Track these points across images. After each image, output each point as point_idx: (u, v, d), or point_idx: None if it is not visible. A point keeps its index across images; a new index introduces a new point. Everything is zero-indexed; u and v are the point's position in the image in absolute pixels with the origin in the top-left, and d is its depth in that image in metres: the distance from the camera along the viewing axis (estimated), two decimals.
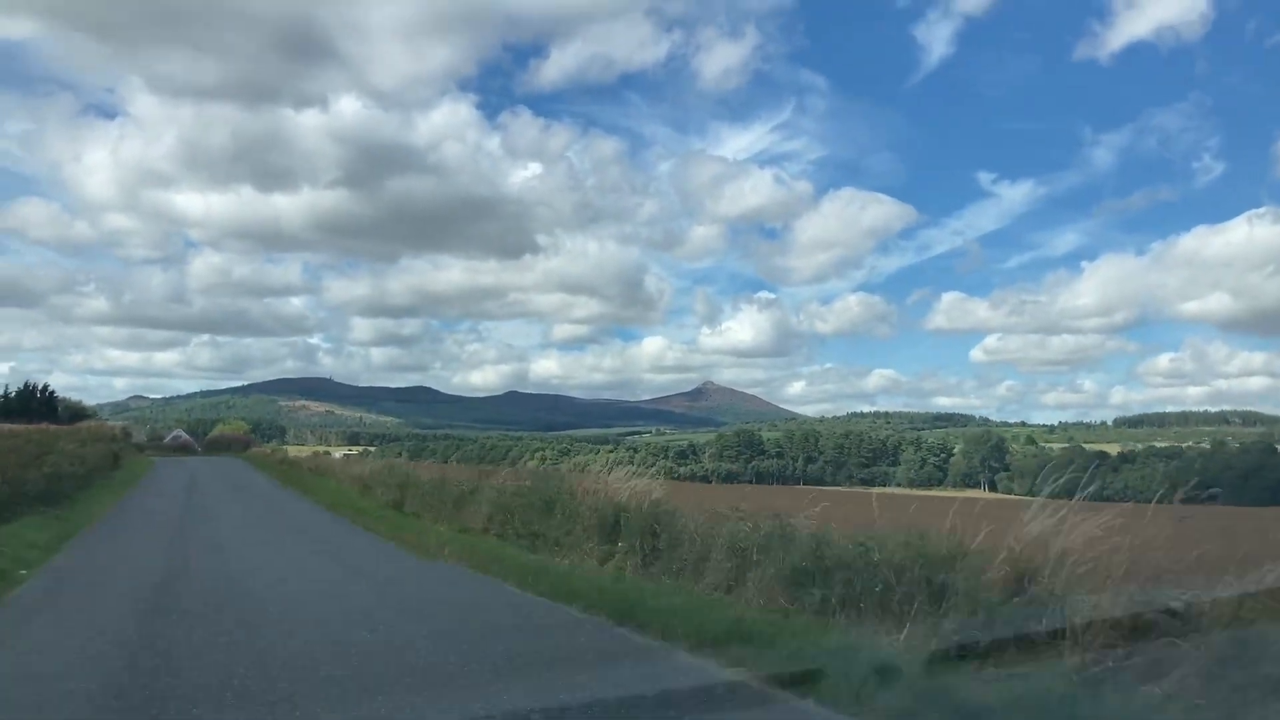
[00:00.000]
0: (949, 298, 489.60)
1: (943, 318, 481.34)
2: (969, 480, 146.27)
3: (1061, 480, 8.31)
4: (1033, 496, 8.38)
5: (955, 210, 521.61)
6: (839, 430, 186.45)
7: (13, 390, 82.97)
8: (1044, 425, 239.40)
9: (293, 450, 75.81)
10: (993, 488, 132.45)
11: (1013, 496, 75.94)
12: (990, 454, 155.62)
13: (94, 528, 17.44)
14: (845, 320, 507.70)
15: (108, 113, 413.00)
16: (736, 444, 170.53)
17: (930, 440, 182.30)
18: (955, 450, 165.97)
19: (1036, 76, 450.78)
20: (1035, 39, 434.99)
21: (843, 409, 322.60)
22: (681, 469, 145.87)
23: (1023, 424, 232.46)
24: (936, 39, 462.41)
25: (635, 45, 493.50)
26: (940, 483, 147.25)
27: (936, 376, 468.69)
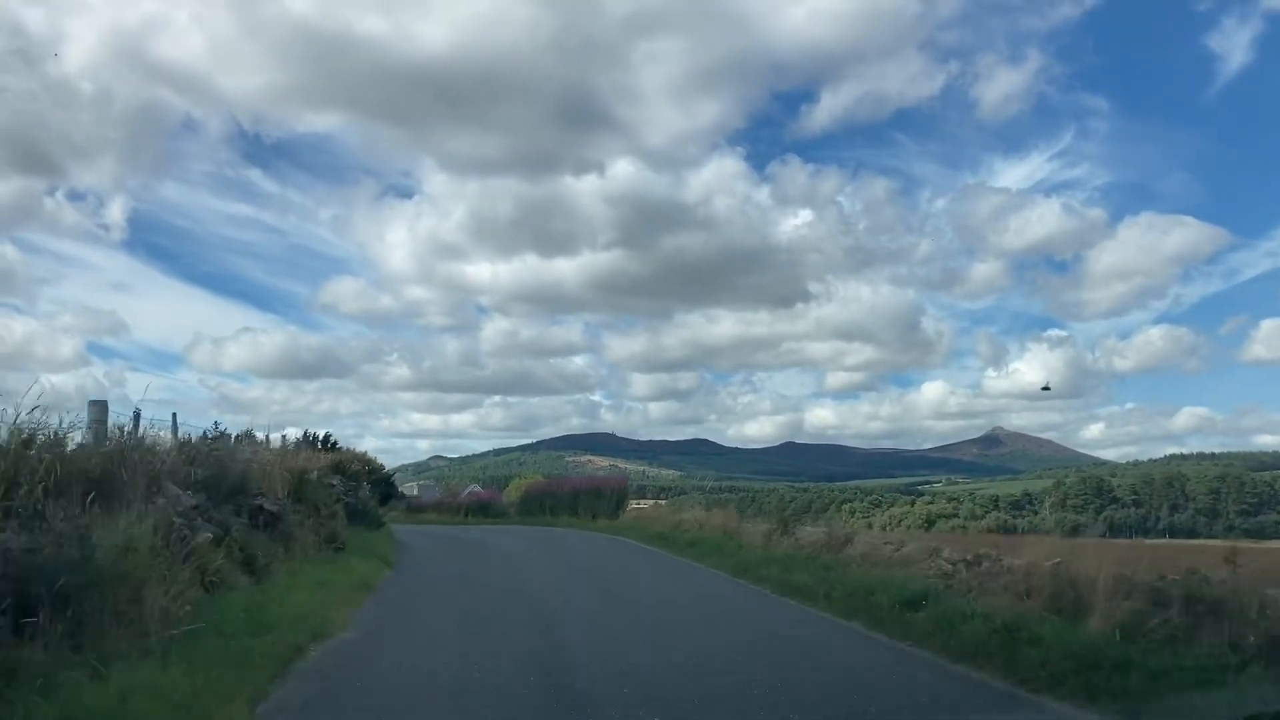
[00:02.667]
0: (1269, 325, 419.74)
1: (1261, 347, 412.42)
2: None
3: None
4: None
5: (1268, 230, 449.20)
6: (1211, 473, 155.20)
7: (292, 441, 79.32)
8: None
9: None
10: None
11: None
12: None
13: None
14: (1147, 355, 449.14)
15: (405, 193, 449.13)
16: (1082, 491, 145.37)
17: None
18: None
19: None
20: None
21: (1146, 452, 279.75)
22: (1018, 521, 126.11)
23: None
24: (1235, 46, 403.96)
25: (907, 81, 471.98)
26: None
27: (1258, 412, 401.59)
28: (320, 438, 79.71)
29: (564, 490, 41.17)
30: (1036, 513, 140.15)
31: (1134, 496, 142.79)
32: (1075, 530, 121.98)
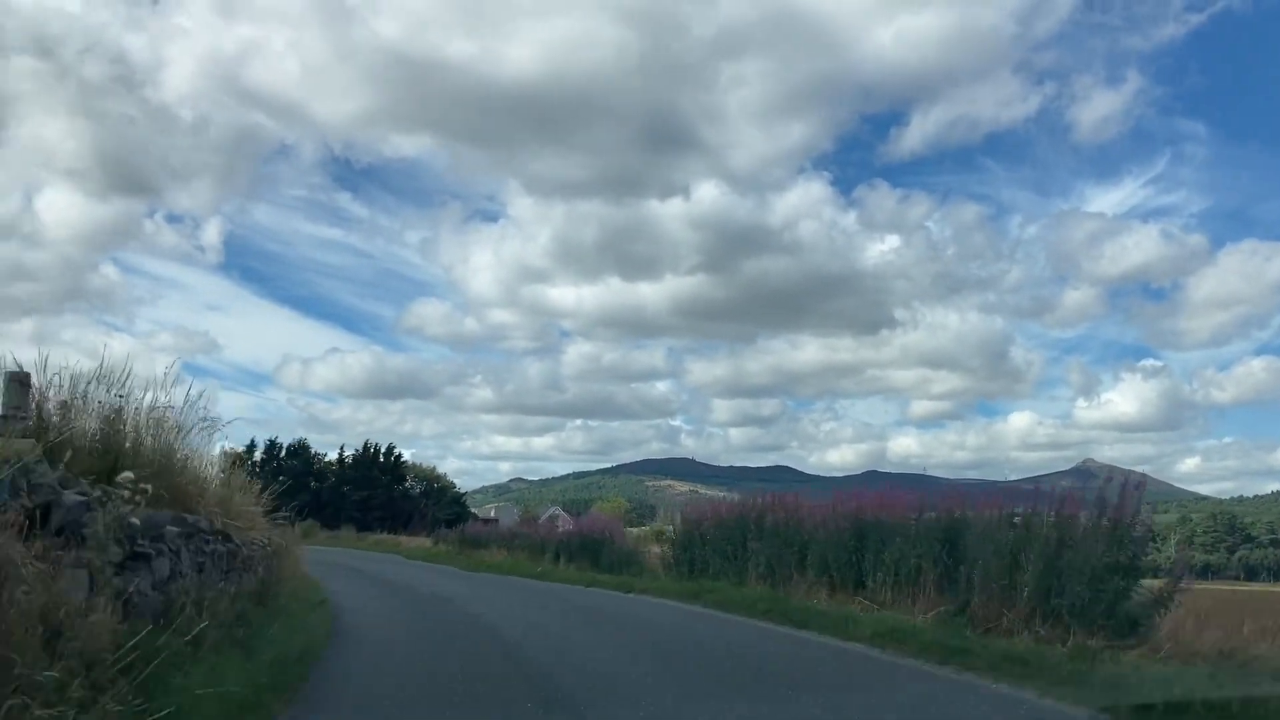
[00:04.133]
0: None
1: None
2: None
3: None
4: None
5: None
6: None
7: (349, 454, 73.90)
8: None
9: None
10: None
11: None
12: None
13: None
14: (1247, 387, 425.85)
15: (491, 217, 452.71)
16: (1212, 529, 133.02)
17: None
18: None
19: None
20: None
21: (1246, 488, 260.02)
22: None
23: None
24: None
25: (1000, 104, 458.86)
26: None
27: None
28: (383, 450, 74.47)
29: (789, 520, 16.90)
30: (1159, 549, 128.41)
31: (1272, 536, 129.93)
32: (1206, 571, 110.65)
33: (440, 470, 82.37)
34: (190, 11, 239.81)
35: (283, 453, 72.20)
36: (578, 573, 23.20)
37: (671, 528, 23.69)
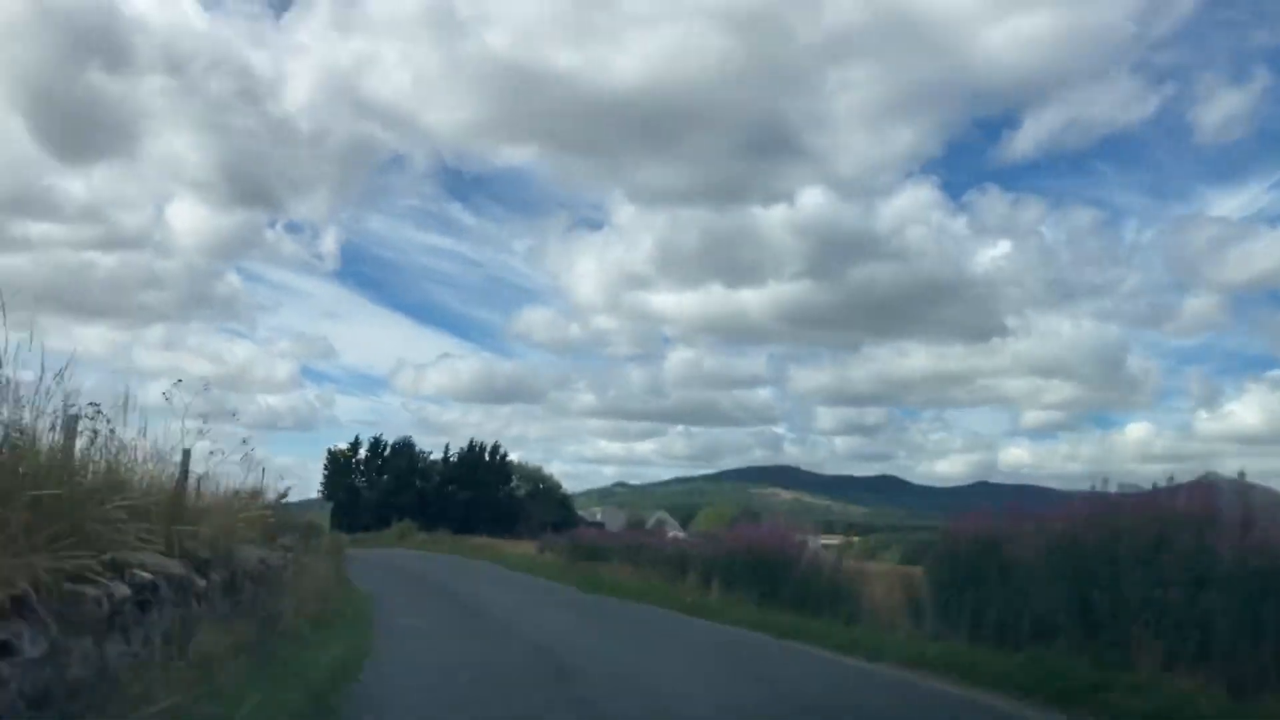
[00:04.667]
0: None
1: None
2: None
3: None
4: None
5: None
6: None
7: (454, 453, 71.89)
8: None
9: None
10: None
11: None
12: None
13: None
14: None
15: (595, 224, 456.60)
16: None
17: None
18: None
19: None
20: None
21: None
22: None
23: None
24: None
25: (1117, 105, 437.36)
26: None
27: None
28: (488, 449, 72.38)
29: None
30: None
31: None
32: None
33: (546, 471, 79.96)
34: (309, 26, 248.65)
35: (387, 450, 70.95)
36: (747, 608, 15.99)
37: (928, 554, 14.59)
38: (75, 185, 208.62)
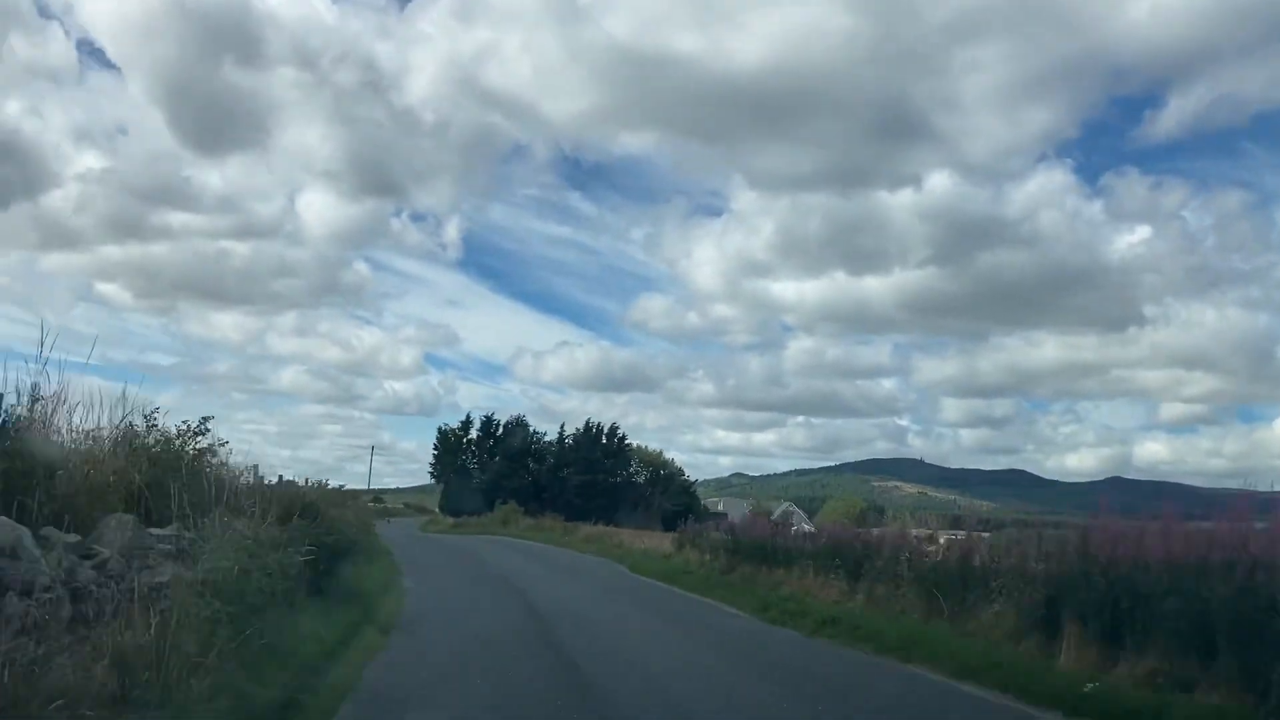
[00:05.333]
0: None
1: None
2: None
3: None
4: None
5: None
6: None
7: (569, 435, 66.54)
8: None
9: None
10: None
11: None
12: None
13: None
14: None
15: (714, 211, 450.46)
16: None
17: None
18: None
19: None
20: None
21: None
22: None
23: None
24: None
25: (1269, 82, 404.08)
26: None
27: None
28: (605, 431, 66.93)
29: None
30: None
31: None
32: None
33: (667, 456, 74.04)
34: (432, 17, 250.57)
35: (500, 430, 66.51)
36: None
37: None
38: (211, 176, 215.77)
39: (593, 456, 63.69)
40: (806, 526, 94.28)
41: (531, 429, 66.84)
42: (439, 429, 67.29)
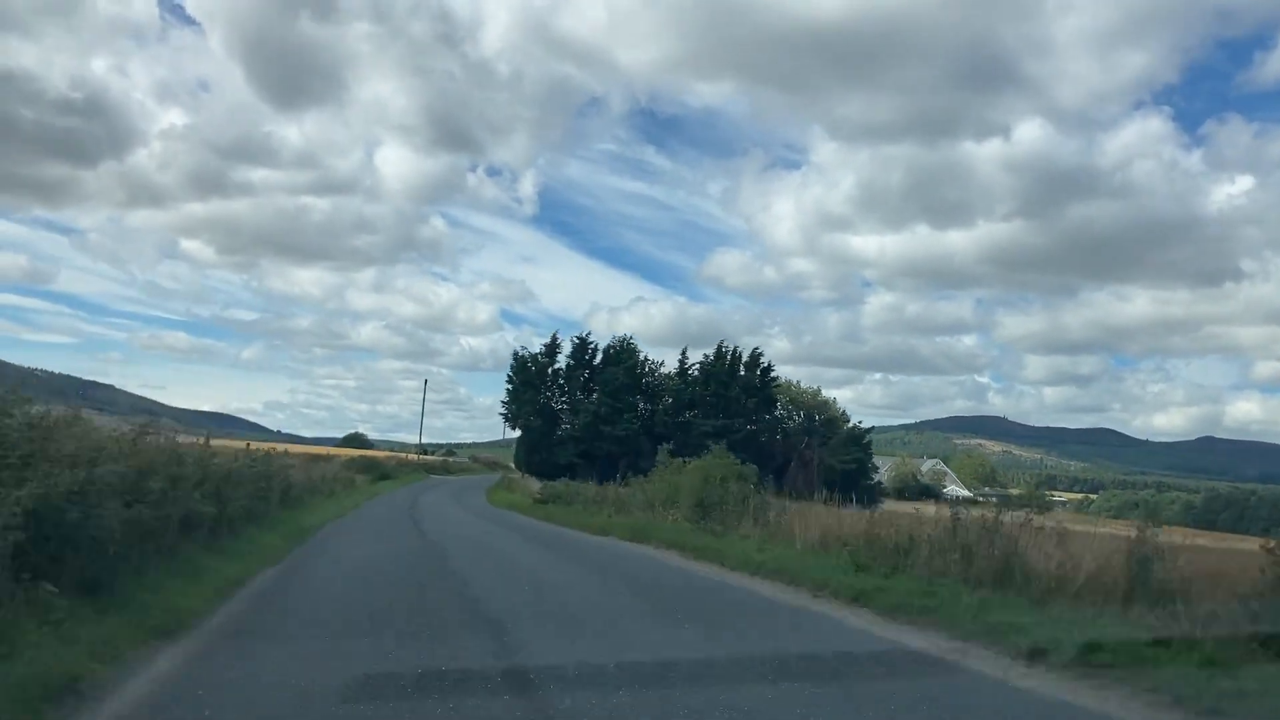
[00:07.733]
0: None
1: None
2: None
3: None
4: None
5: None
6: None
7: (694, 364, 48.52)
8: None
9: None
10: None
11: None
12: None
13: None
14: None
15: (792, 164, 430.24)
16: None
17: None
18: None
19: None
20: None
21: None
22: None
23: None
24: None
25: None
26: None
27: None
28: (742, 359, 49.30)
29: None
30: None
31: None
32: None
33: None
34: None
35: (598, 358, 48.83)
36: None
37: None
38: (290, 132, 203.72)
39: (730, 394, 45.73)
40: (957, 488, 72.89)
41: (643, 355, 48.56)
42: (514, 354, 49.17)
